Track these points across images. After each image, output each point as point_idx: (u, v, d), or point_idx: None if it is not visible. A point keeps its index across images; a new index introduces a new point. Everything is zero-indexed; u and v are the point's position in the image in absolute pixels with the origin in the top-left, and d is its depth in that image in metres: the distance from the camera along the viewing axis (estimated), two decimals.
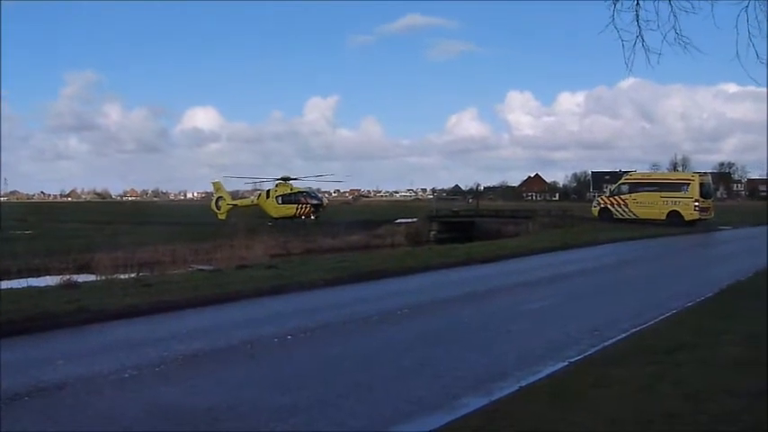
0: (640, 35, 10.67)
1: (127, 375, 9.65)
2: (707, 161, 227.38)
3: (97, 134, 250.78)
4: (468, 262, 25.42)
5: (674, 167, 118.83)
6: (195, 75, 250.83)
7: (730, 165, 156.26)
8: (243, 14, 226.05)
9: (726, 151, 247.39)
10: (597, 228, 43.29)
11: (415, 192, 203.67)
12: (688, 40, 10.72)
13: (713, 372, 8.81)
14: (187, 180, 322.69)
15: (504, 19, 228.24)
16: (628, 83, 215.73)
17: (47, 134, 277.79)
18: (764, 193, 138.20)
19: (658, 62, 11.04)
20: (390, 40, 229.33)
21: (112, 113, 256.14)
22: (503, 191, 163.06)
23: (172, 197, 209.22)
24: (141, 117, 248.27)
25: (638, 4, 10.52)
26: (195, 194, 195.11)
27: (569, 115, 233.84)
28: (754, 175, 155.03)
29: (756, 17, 10.35)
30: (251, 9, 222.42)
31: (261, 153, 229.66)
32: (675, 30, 10.55)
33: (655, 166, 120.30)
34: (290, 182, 64.81)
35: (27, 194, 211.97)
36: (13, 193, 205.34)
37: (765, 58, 10.72)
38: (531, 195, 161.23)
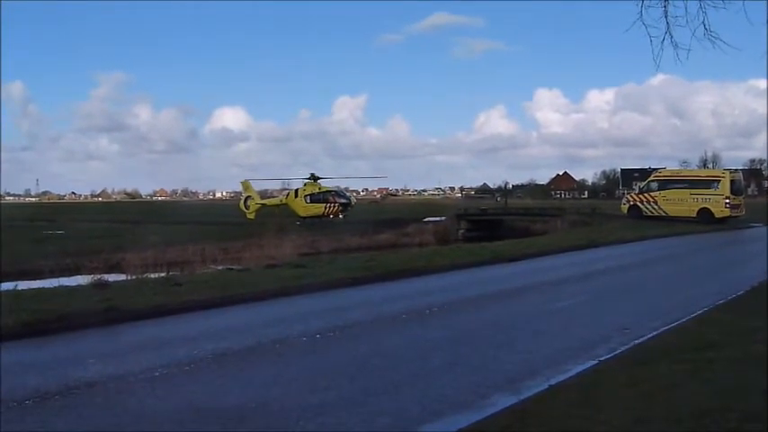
0: (669, 31, 10.55)
1: (157, 374, 9.72)
2: (738, 158, 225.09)
3: (127, 134, 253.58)
4: (495, 260, 25.36)
5: (704, 164, 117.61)
6: (224, 75, 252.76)
7: (761, 161, 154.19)
8: (271, 14, 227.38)
9: (757, 148, 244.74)
10: (626, 225, 42.95)
11: (443, 190, 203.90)
12: (717, 36, 10.58)
13: (744, 370, 8.73)
14: (216, 180, 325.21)
15: (530, 17, 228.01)
16: (657, 79, 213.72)
17: (77, 135, 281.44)
18: None
19: (687, 58, 10.91)
20: (418, 39, 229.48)
21: (142, 114, 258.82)
22: (531, 189, 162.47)
23: (201, 197, 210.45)
24: (170, 117, 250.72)
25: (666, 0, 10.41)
26: (224, 194, 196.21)
27: (598, 112, 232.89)
28: None
29: None
30: (279, 9, 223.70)
31: (289, 152, 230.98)
32: (705, 25, 10.41)
33: (684, 162, 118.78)
34: (319, 181, 64.90)
35: (58, 195, 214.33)
36: (44, 193, 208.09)
37: None
38: (560, 193, 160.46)
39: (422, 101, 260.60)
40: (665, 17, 10.48)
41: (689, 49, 10.75)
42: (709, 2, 10.20)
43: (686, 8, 10.38)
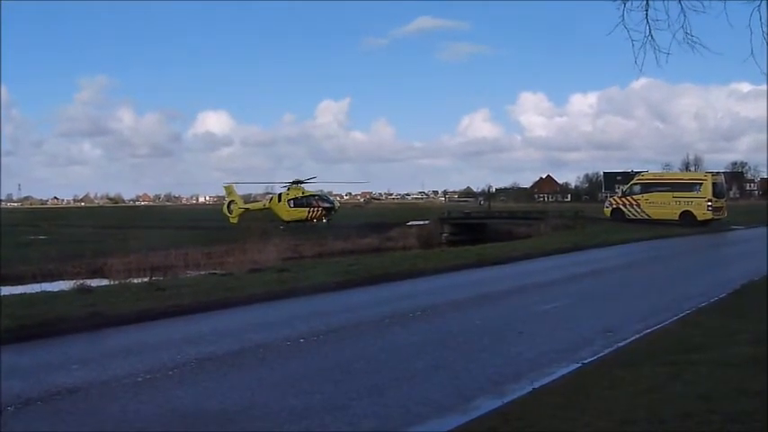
0: (650, 35, 10.61)
1: (140, 379, 9.67)
2: (720, 160, 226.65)
3: (110, 139, 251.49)
4: (480, 264, 25.37)
5: (687, 167, 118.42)
6: (207, 78, 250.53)
7: (743, 164, 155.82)
8: (255, 17, 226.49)
9: (740, 151, 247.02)
10: (609, 228, 43.12)
11: (426, 194, 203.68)
12: (697, 40, 10.65)
13: (727, 372, 8.76)
14: (199, 184, 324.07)
15: (514, 20, 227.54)
16: (640, 83, 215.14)
17: (60, 139, 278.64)
18: None
19: (667, 62, 10.96)
20: (402, 42, 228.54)
21: (125, 118, 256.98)
22: (514, 192, 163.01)
23: (184, 201, 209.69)
24: (154, 121, 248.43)
25: (647, 3, 10.46)
26: (207, 198, 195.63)
27: (582, 116, 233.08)
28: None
29: None
30: (263, 12, 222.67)
31: (273, 156, 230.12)
32: (685, 29, 10.48)
33: (667, 166, 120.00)
34: (302, 185, 64.85)
35: (41, 200, 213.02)
36: (26, 198, 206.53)
37: None
38: (543, 197, 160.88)
39: (406, 104, 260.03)
40: (647, 20, 10.55)
41: (669, 53, 10.84)
42: (690, 4, 10.28)
43: (667, 12, 10.45)
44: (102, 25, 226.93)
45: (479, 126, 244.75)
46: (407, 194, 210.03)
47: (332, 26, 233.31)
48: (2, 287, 23.00)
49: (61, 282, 24.80)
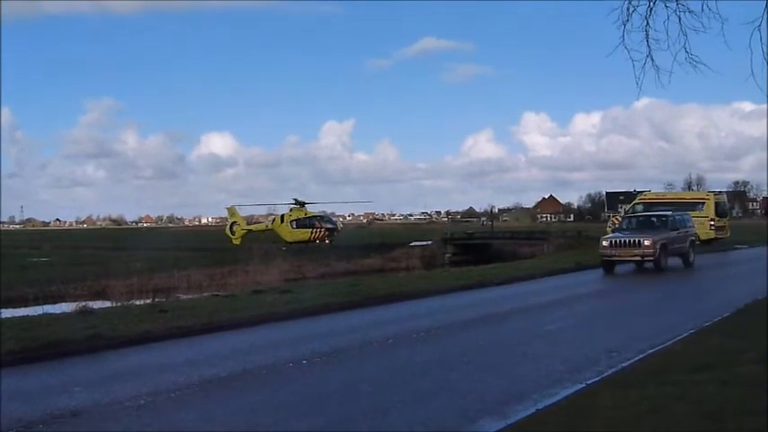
0: (650, 55, 10.65)
1: (142, 402, 9.63)
2: (723, 180, 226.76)
3: (114, 161, 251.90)
4: (483, 284, 25.31)
5: (689, 186, 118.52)
6: (212, 100, 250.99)
7: (745, 183, 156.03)
8: (258, 39, 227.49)
9: (743, 170, 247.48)
10: None
11: (429, 215, 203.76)
12: (698, 60, 10.69)
13: (732, 391, 8.73)
14: (203, 206, 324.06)
15: (517, 41, 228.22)
16: (643, 103, 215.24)
17: (64, 161, 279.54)
18: None
19: (669, 81, 11.01)
20: (406, 63, 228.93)
21: (130, 140, 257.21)
22: (517, 212, 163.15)
23: (187, 223, 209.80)
24: (158, 143, 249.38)
25: (647, 23, 10.51)
26: (210, 220, 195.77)
27: (585, 136, 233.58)
28: None
29: None
30: (266, 34, 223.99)
31: (277, 178, 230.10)
32: (686, 49, 10.53)
33: (669, 185, 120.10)
34: (305, 206, 64.98)
35: (43, 222, 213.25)
36: (29, 220, 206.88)
37: None
38: (546, 217, 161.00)
39: (410, 125, 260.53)
40: (647, 41, 10.60)
41: (670, 72, 10.88)
42: (690, 24, 10.32)
43: (667, 32, 10.50)
44: (107, 48, 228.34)
45: (483, 146, 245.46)
46: (410, 215, 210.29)
47: (336, 47, 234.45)
48: (4, 309, 22.98)
49: (63, 304, 24.78)
